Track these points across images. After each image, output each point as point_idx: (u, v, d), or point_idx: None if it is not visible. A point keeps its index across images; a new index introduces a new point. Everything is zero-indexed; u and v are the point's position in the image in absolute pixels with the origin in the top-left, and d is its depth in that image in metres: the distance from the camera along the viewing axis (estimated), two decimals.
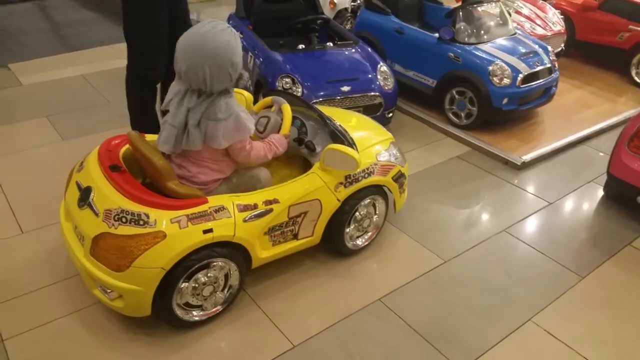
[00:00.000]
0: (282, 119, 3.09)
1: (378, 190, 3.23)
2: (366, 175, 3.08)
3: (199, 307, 2.70)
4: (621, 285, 3.23)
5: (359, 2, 7.15)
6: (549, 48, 5.15)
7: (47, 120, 4.76)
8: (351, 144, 3.04)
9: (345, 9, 6.86)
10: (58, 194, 3.51)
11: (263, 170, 2.96)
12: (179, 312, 2.63)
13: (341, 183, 2.99)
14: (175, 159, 2.73)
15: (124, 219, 2.45)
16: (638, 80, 6.23)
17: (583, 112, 5.55)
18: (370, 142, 3.29)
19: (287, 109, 3.11)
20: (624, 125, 5.18)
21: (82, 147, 4.25)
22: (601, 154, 4.77)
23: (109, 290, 2.52)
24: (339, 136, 3.05)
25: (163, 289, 2.50)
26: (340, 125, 3.21)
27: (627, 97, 6.03)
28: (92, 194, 2.61)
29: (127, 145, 2.94)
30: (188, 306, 2.66)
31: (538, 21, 6.09)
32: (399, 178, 3.30)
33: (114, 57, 6.35)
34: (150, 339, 2.64)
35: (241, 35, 5.09)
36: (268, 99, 3.30)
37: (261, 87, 4.51)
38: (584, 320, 2.96)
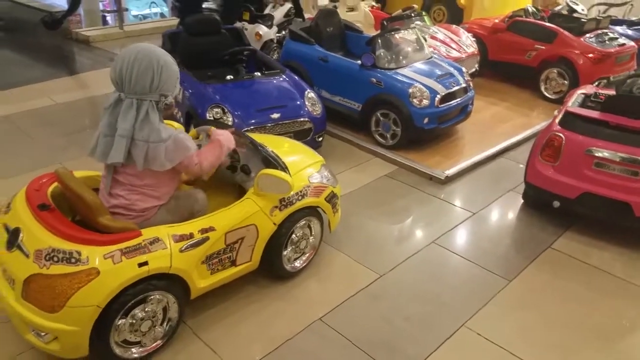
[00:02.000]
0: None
1: (312, 211, 3.33)
2: (300, 198, 3.18)
3: (138, 343, 2.66)
4: (545, 286, 3.47)
5: (283, 33, 7.39)
6: (464, 69, 5.53)
7: None
8: (284, 168, 3.14)
9: (271, 40, 7.05)
10: None
11: (199, 191, 3.01)
12: (117, 350, 2.59)
13: (276, 207, 3.07)
14: (113, 190, 2.70)
15: (55, 258, 2.41)
16: (547, 95, 6.78)
17: (499, 127, 5.96)
18: (302, 166, 3.41)
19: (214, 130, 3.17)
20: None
21: (9, 189, 4.03)
22: (520, 165, 5.13)
23: (43, 334, 2.45)
24: (271, 161, 3.14)
25: (100, 327, 2.47)
26: (272, 150, 3.30)
27: (538, 110, 6.54)
28: (21, 235, 2.54)
29: (55, 184, 2.89)
30: (126, 343, 2.62)
31: (453, 45, 6.52)
32: (331, 198, 3.43)
33: (36, 96, 6.21)
34: None
35: None
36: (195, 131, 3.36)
37: (191, 119, 4.55)
38: (514, 322, 3.15)
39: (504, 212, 4.37)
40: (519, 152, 5.41)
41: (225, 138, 2.97)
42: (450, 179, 4.72)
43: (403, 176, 4.79)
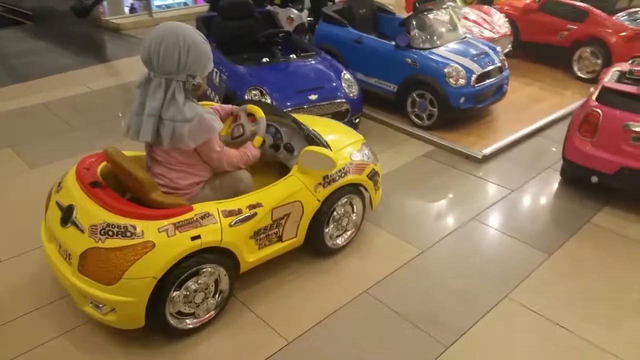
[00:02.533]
0: (253, 127, 3.18)
1: (354, 189, 3.35)
2: (342, 175, 3.21)
3: (192, 314, 2.74)
4: (585, 259, 3.46)
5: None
6: (498, 48, 5.46)
7: (11, 150, 4.68)
8: (326, 146, 3.16)
9: (302, 23, 7.04)
10: (32, 222, 3.50)
11: (244, 171, 3.03)
12: (172, 321, 2.66)
13: (320, 184, 3.10)
14: (154, 169, 2.77)
15: (110, 233, 2.48)
16: (580, 75, 6.67)
17: (534, 107, 5.88)
18: (343, 144, 3.43)
19: (259, 112, 3.20)
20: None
21: (51, 175, 4.20)
22: (556, 143, 5.06)
23: (100, 305, 2.53)
24: (314, 139, 3.17)
25: (155, 299, 2.54)
26: (313, 129, 3.33)
27: (572, 90, 6.43)
28: (74, 211, 2.62)
29: (103, 163, 2.97)
30: (181, 315, 2.69)
31: (485, 25, 6.44)
32: (373, 176, 3.44)
33: (71, 84, 6.32)
34: (147, 350, 2.66)
35: None
36: (242, 107, 3.38)
37: (229, 102, 4.59)
38: (556, 293, 3.16)
39: (542, 189, 4.34)
40: (555, 131, 5.35)
41: (253, 155, 3.00)
42: (487, 158, 4.70)
43: (440, 156, 4.77)
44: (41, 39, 8.35)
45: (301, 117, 3.70)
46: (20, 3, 10.61)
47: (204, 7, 9.99)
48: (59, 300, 2.96)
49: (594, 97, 3.96)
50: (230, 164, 2.87)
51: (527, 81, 6.56)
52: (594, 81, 6.42)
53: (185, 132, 2.55)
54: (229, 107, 3.34)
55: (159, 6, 9.82)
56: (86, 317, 2.76)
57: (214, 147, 2.72)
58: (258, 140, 3.11)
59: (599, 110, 3.81)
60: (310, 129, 3.31)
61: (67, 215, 2.64)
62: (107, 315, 2.55)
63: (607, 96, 3.88)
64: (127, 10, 9.54)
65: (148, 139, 2.60)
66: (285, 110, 4.32)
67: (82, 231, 2.53)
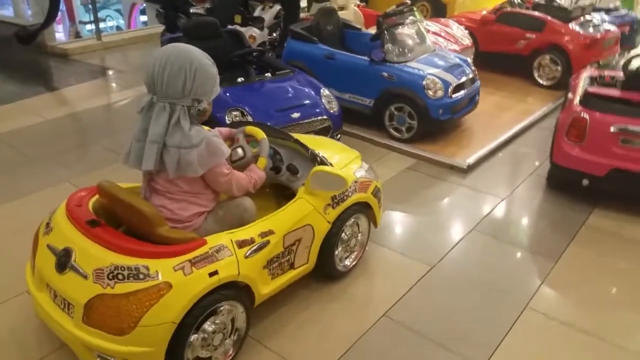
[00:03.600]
0: (255, 149, 3.00)
1: (360, 208, 3.23)
2: (350, 194, 3.08)
3: (209, 358, 2.50)
4: (590, 262, 3.51)
5: (275, 35, 7.27)
6: (469, 59, 5.56)
7: None
8: (329, 165, 3.03)
9: (264, 42, 6.92)
10: (4, 267, 3.18)
11: (247, 199, 2.82)
12: None
13: (329, 205, 2.96)
14: (154, 201, 2.54)
15: (120, 276, 2.23)
16: (541, 82, 6.93)
17: (503, 115, 6.03)
18: (345, 161, 3.32)
19: (259, 133, 3.04)
20: (543, 121, 5.78)
21: (18, 212, 3.89)
22: (530, 149, 5.20)
23: (110, 358, 2.26)
24: (319, 159, 3.03)
25: (172, 346, 2.29)
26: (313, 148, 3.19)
27: (534, 97, 6.66)
28: (73, 255, 2.34)
29: (95, 198, 2.70)
30: None
31: (448, 37, 6.56)
32: (377, 193, 3.34)
33: (22, 113, 5.87)
34: None
35: None
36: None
37: (208, 125, 4.37)
38: (572, 299, 3.17)
39: (531, 194, 4.40)
40: (528, 137, 5.51)
41: (260, 178, 2.81)
42: (471, 168, 4.72)
43: (424, 168, 4.76)
44: None
45: (296, 136, 3.57)
46: None
47: (146, 30, 9.70)
48: (51, 353, 2.64)
49: (576, 102, 4.06)
50: (240, 187, 2.66)
51: (490, 90, 6.70)
52: (554, 87, 6.71)
53: (193, 159, 2.35)
54: (227, 129, 3.15)
55: (90, 30, 9.38)
56: None
57: (223, 172, 2.53)
58: (262, 161, 2.92)
59: (585, 115, 3.91)
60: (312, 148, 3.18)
61: (64, 259, 2.35)
62: None
63: (592, 101, 4.00)
64: (59, 36, 9.03)
65: (150, 168, 2.36)
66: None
67: (85, 277, 2.26)
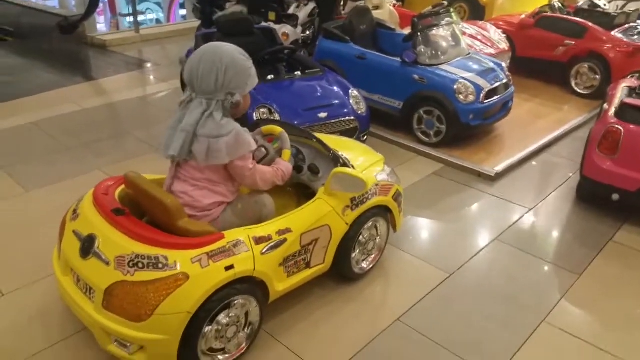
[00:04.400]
0: (277, 143, 3.04)
1: (379, 211, 3.23)
2: (370, 197, 3.09)
3: (222, 350, 2.56)
4: (615, 278, 3.41)
5: (308, 33, 7.30)
6: (503, 64, 5.46)
7: (4, 172, 4.42)
8: (351, 166, 3.04)
9: (297, 40, 6.96)
10: (35, 250, 3.31)
11: (267, 196, 2.87)
12: (204, 359, 2.48)
13: (348, 206, 2.97)
14: (175, 187, 2.62)
15: (140, 265, 2.30)
16: (578, 90, 6.73)
17: (537, 123, 5.90)
18: (367, 164, 3.31)
19: (276, 128, 3.08)
20: (578, 131, 5.64)
21: (50, 198, 4.04)
22: (564, 159, 5.07)
23: (128, 344, 2.33)
24: (341, 160, 3.05)
25: (187, 336, 2.35)
26: (336, 149, 3.21)
27: (570, 105, 6.49)
28: (97, 241, 2.43)
29: (122, 187, 2.79)
30: (212, 351, 2.51)
31: (485, 41, 6.46)
32: (397, 197, 3.33)
33: (60, 102, 6.07)
34: None
35: None
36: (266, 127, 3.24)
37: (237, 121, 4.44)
38: (594, 316, 3.09)
39: (559, 206, 4.30)
40: (561, 147, 5.37)
41: (287, 170, 2.87)
42: (499, 176, 4.64)
43: (451, 174, 4.70)
44: (25, 56, 8.05)
45: (319, 136, 3.59)
46: None
47: (184, 24, 9.87)
48: (73, 336, 2.74)
49: (611, 114, 3.94)
50: (265, 180, 2.72)
51: (525, 97, 6.58)
52: (592, 96, 6.53)
53: (222, 148, 2.46)
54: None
55: (130, 22, 9.63)
56: (105, 355, 2.54)
57: (248, 165, 2.60)
58: (286, 153, 2.96)
59: (619, 127, 3.80)
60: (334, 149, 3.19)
61: (87, 245, 2.44)
62: (134, 354, 2.35)
63: (628, 112, 3.87)
64: (100, 27, 9.28)
65: (174, 153, 2.49)
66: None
67: (107, 263, 2.34)
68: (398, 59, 5.17)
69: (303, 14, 7.18)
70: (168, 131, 2.57)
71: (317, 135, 3.55)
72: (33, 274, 3.14)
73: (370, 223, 3.18)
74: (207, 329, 2.42)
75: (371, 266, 3.32)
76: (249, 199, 2.82)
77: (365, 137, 4.78)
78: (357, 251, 3.17)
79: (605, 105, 4.30)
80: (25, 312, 2.90)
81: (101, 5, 11.04)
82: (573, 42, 6.65)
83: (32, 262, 3.21)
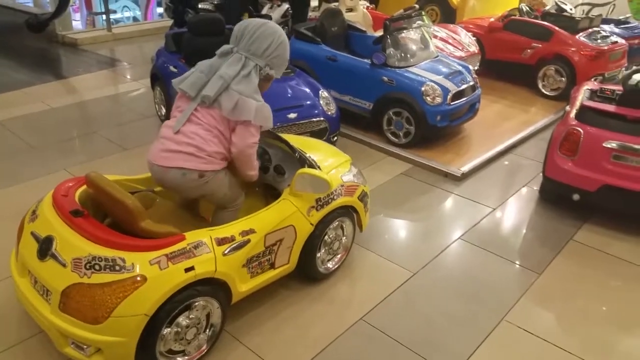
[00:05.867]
0: None
1: (345, 211, 3.26)
2: (335, 197, 3.11)
3: (182, 352, 2.55)
4: (574, 277, 3.49)
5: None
6: (471, 67, 5.55)
7: None
8: (317, 167, 3.07)
9: None
10: None
11: (242, 194, 2.99)
12: None
13: (313, 207, 2.99)
14: (186, 128, 2.64)
15: (97, 267, 2.28)
16: (545, 92, 6.88)
17: (503, 124, 6.01)
18: (333, 165, 3.34)
19: None
20: (543, 132, 5.76)
21: (13, 198, 3.97)
22: (528, 160, 5.18)
23: (84, 346, 2.31)
24: (306, 161, 3.06)
25: (145, 338, 2.34)
26: (301, 150, 3.23)
27: (537, 107, 6.62)
28: (54, 243, 2.40)
29: (82, 188, 2.76)
30: (171, 353, 2.50)
31: (455, 44, 6.55)
32: (363, 197, 3.37)
33: (28, 101, 5.97)
34: None
35: (175, 69, 5.00)
36: None
37: None
38: (552, 314, 3.17)
39: (522, 206, 4.39)
40: (526, 148, 5.48)
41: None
42: (465, 176, 4.72)
43: (419, 174, 4.77)
44: None
45: (285, 137, 3.60)
46: None
47: (158, 23, 9.77)
48: (30, 338, 2.71)
49: (572, 115, 4.05)
50: (250, 163, 2.81)
51: (493, 99, 6.70)
52: (558, 98, 6.68)
53: (252, 108, 2.60)
54: None
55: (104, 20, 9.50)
56: (62, 358, 2.51)
57: (256, 136, 2.71)
58: None
59: (579, 129, 3.89)
60: (300, 150, 3.21)
61: (45, 247, 2.41)
62: (91, 357, 2.33)
63: (587, 115, 3.97)
64: (75, 24, 9.13)
65: (210, 94, 2.58)
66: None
67: (64, 265, 2.32)
68: (368, 61, 5.22)
69: (276, 14, 7.16)
70: (196, 72, 2.67)
71: (285, 136, 3.58)
72: None
73: (336, 223, 3.21)
74: (165, 330, 2.41)
75: (337, 266, 3.35)
76: (237, 181, 2.91)
77: (336, 138, 4.81)
78: (323, 251, 3.19)
79: (568, 107, 4.40)
80: None
81: (77, 2, 10.89)
82: (540, 45, 6.79)
83: None
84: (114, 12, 10.40)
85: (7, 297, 2.90)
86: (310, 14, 8.09)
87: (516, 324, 3.02)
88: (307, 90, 4.73)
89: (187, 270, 2.40)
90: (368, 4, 8.30)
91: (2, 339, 2.70)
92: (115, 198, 2.47)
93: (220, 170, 2.75)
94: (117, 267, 2.28)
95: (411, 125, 5.03)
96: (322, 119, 4.56)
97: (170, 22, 7.82)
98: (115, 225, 2.59)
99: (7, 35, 9.05)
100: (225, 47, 2.68)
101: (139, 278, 2.28)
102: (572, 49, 6.58)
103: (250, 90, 2.61)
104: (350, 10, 7.27)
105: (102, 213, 2.80)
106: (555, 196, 4.28)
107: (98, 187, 2.57)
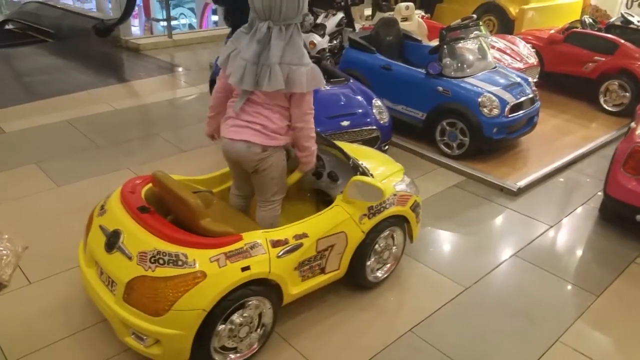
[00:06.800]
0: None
1: (396, 221, 3.26)
2: (388, 206, 3.12)
3: (234, 349, 2.62)
4: (634, 302, 3.35)
5: (335, 42, 7.37)
6: (530, 79, 5.43)
7: (37, 167, 4.60)
8: (370, 175, 3.08)
9: (324, 49, 7.03)
10: (62, 242, 3.43)
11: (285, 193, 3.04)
12: (216, 356, 2.55)
13: (365, 215, 3.01)
14: (249, 108, 2.72)
15: (161, 261, 2.39)
16: (607, 107, 6.63)
17: (562, 139, 5.83)
18: (386, 174, 3.35)
19: None
20: (604, 149, 5.55)
21: (80, 193, 4.19)
22: (588, 178, 5.00)
23: (144, 337, 2.42)
24: (360, 168, 3.09)
25: (200, 333, 2.43)
26: (355, 158, 3.25)
27: (598, 123, 6.39)
28: (121, 237, 2.53)
29: (148, 186, 2.89)
30: (224, 349, 2.58)
31: (513, 55, 6.43)
32: (415, 207, 3.36)
33: (93, 102, 6.28)
34: None
35: None
36: None
37: None
38: (610, 338, 3.05)
39: (581, 224, 4.24)
40: (586, 165, 5.29)
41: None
42: (522, 191, 4.61)
43: (472, 187, 4.69)
44: (62, 57, 8.35)
45: (339, 145, 3.64)
46: (40, 21, 10.67)
47: (215, 31, 10.05)
48: (92, 326, 2.85)
49: (638, 132, 3.89)
50: (310, 133, 2.82)
51: (552, 113, 6.51)
52: (621, 114, 6.42)
53: (302, 76, 2.59)
54: None
55: (163, 26, 9.88)
56: (122, 346, 2.65)
57: (311, 102, 2.74)
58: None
59: None
60: (354, 157, 3.24)
61: (112, 240, 2.54)
62: (150, 347, 2.43)
63: None
64: (134, 30, 9.51)
65: (282, 86, 2.57)
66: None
67: (130, 258, 2.44)
68: (423, 71, 5.20)
69: (331, 23, 7.24)
70: (248, 66, 2.59)
71: (338, 143, 3.62)
72: (59, 265, 3.27)
73: (387, 232, 3.21)
74: (220, 327, 2.49)
75: (386, 275, 3.34)
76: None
77: (387, 146, 4.82)
78: (373, 259, 3.20)
79: (633, 124, 4.24)
80: (49, 301, 3.02)
81: (136, 9, 11.39)
82: (603, 59, 6.55)
83: (59, 254, 3.34)
84: (175, 18, 10.80)
85: (74, 285, 3.07)
86: (364, 23, 8.15)
87: (572, 346, 2.93)
88: (360, 98, 4.76)
89: (244, 269, 2.47)
90: (423, 14, 8.27)
91: (67, 325, 2.86)
92: (179, 196, 2.58)
93: (281, 148, 2.82)
94: (180, 262, 2.38)
95: (465, 136, 4.96)
96: (374, 127, 4.58)
97: (227, 29, 8.05)
98: (177, 223, 2.70)
99: (75, 39, 9.57)
100: (258, 25, 2.58)
101: (199, 274, 2.37)
102: (639, 63, 6.31)
103: (297, 56, 2.61)
104: (405, 19, 7.26)
105: (165, 210, 2.92)
106: (617, 216, 4.12)
107: (163, 185, 2.69)
